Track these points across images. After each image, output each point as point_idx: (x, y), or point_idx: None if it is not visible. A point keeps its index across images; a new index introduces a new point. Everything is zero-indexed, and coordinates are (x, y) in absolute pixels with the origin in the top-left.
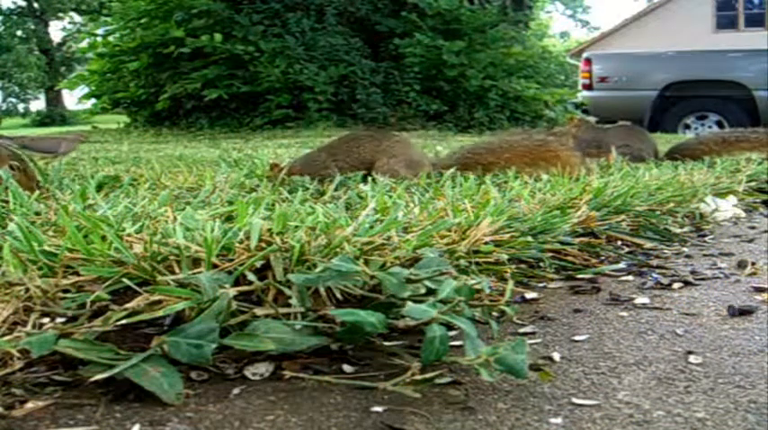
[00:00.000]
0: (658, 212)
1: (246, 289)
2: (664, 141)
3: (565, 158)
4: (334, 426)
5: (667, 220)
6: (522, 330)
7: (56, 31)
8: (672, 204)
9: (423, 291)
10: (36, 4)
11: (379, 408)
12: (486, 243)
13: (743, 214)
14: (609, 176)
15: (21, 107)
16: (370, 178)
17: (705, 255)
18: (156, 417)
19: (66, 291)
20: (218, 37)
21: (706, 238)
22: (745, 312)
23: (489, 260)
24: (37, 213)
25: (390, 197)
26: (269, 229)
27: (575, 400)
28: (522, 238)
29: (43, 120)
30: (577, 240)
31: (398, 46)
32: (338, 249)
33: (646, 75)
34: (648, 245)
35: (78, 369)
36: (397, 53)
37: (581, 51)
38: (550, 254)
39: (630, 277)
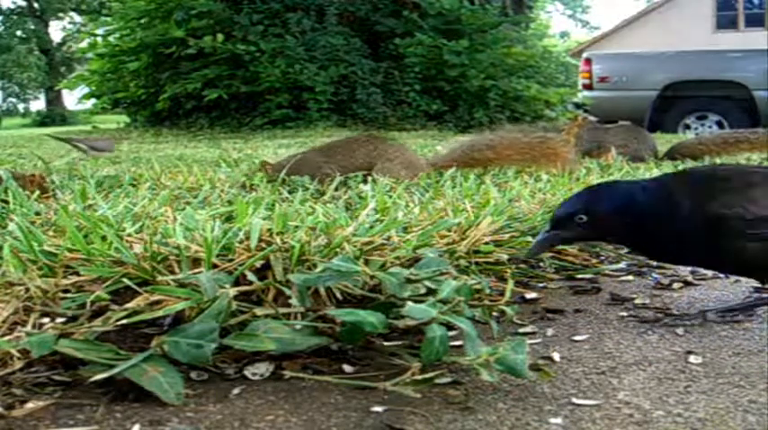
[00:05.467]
0: None
1: (246, 289)
2: (664, 141)
3: (563, 156)
4: (334, 426)
5: None
6: (522, 330)
7: (56, 31)
8: None
9: (423, 291)
10: (36, 4)
11: (379, 408)
12: (486, 243)
13: None
14: (609, 176)
15: (21, 107)
16: (370, 178)
17: None
18: (156, 417)
19: (66, 291)
20: (220, 38)
21: None
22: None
23: (489, 260)
24: (37, 213)
25: (390, 197)
26: (269, 229)
27: (575, 400)
28: (522, 238)
29: (43, 120)
30: None
31: (399, 46)
32: (338, 249)
33: (646, 75)
34: None
35: (78, 369)
36: (398, 53)
37: (581, 51)
38: (550, 254)
39: (630, 277)
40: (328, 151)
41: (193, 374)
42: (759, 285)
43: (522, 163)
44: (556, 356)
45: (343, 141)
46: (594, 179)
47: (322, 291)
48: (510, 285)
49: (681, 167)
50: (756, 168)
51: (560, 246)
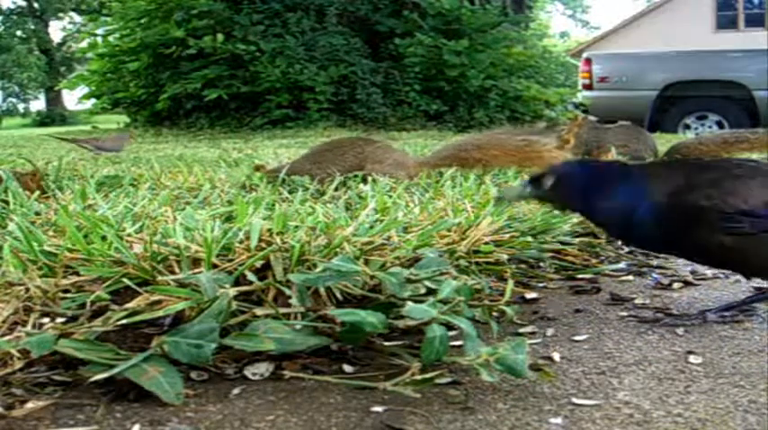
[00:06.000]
0: None
1: (246, 289)
2: (664, 141)
3: (549, 160)
4: (334, 426)
5: None
6: (522, 330)
7: (56, 31)
8: None
9: (423, 291)
10: (36, 4)
11: (379, 408)
12: (486, 243)
13: None
14: None
15: (21, 107)
16: (370, 178)
17: None
18: (156, 417)
19: (66, 291)
20: (220, 38)
21: None
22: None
23: (489, 260)
24: (37, 213)
25: (390, 197)
26: (269, 229)
27: (575, 400)
28: (522, 238)
29: (43, 120)
30: (577, 240)
31: (399, 46)
32: (338, 249)
33: (646, 75)
34: None
35: (78, 369)
36: (398, 53)
37: (581, 51)
38: (550, 254)
39: (630, 277)
40: (316, 157)
41: (193, 374)
42: (761, 284)
43: (509, 164)
44: (556, 356)
45: (330, 145)
46: None
47: (322, 291)
48: (510, 285)
49: None
50: (740, 161)
51: (560, 246)
